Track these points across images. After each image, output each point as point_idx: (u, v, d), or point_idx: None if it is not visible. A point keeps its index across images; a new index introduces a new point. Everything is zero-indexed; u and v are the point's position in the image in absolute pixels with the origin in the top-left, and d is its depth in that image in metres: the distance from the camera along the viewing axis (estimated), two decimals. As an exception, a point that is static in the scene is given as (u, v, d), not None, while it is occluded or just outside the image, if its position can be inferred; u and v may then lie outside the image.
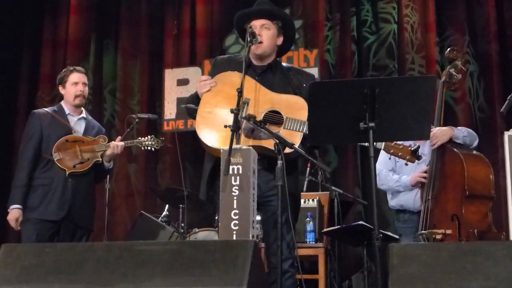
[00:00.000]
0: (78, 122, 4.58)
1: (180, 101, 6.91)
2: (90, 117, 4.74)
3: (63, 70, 4.69)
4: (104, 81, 7.23)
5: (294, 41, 3.98)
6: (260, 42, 3.52)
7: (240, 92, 3.23)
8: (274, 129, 3.38)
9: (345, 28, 6.60)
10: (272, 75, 3.62)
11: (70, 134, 4.47)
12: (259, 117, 3.38)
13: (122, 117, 6.81)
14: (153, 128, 6.97)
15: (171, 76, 7.07)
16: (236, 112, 3.18)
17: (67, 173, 4.35)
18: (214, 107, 3.48)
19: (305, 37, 6.79)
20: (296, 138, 3.38)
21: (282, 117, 3.43)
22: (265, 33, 3.57)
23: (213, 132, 3.43)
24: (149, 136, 4.70)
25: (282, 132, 3.37)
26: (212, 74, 3.64)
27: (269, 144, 3.32)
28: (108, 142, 4.48)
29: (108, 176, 5.18)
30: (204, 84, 3.53)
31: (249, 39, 3.42)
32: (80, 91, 4.53)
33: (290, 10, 6.85)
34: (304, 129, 3.37)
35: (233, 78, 3.49)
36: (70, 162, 4.38)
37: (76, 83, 4.54)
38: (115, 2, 7.36)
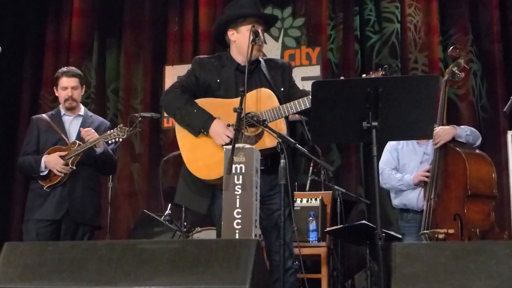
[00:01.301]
0: (74, 120, 4.67)
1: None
2: (89, 114, 4.80)
3: (57, 72, 4.76)
4: (107, 80, 7.22)
5: None
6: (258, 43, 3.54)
7: (242, 91, 3.25)
8: (255, 129, 3.42)
9: (348, 27, 6.59)
10: (258, 73, 3.65)
11: (60, 141, 4.53)
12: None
13: (125, 116, 6.79)
14: (156, 126, 6.98)
15: (171, 73, 7.04)
16: (239, 111, 3.19)
17: (45, 188, 4.43)
18: (196, 144, 3.54)
19: (308, 35, 6.78)
20: (281, 125, 3.44)
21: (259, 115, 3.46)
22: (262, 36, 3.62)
23: (204, 165, 3.48)
24: (117, 127, 4.53)
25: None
26: (200, 75, 3.63)
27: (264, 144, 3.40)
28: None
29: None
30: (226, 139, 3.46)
31: (251, 37, 3.44)
32: (68, 95, 4.60)
33: (293, 9, 6.85)
34: (282, 113, 3.43)
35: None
36: (46, 176, 4.46)
37: (65, 88, 4.62)
38: (119, 1, 7.36)
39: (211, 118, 3.49)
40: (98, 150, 4.50)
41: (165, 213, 5.72)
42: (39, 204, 4.44)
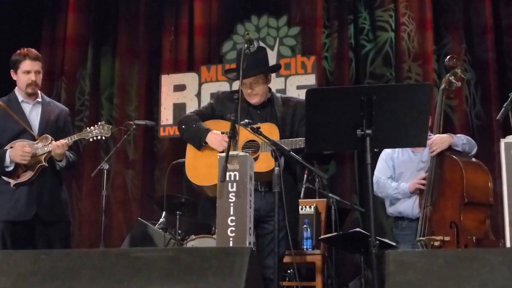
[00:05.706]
0: (33, 108, 4.29)
1: (176, 107, 6.93)
2: (48, 100, 4.44)
3: (17, 53, 4.30)
4: (102, 87, 7.23)
5: None
6: (256, 94, 3.78)
7: (237, 98, 3.29)
8: (252, 153, 3.60)
9: (343, 35, 6.61)
10: (270, 109, 3.85)
11: (23, 133, 4.17)
12: (239, 149, 3.49)
13: (119, 123, 6.78)
14: (150, 134, 6.98)
15: (167, 81, 7.07)
16: (233, 118, 3.20)
17: (12, 185, 4.07)
18: (200, 154, 3.77)
19: (303, 44, 6.80)
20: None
21: (258, 143, 3.63)
22: (257, 86, 3.77)
23: (201, 173, 3.67)
24: (97, 124, 4.29)
25: (261, 155, 3.61)
26: (216, 107, 3.90)
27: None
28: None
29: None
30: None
31: (245, 46, 3.44)
32: (32, 80, 4.21)
33: (288, 17, 6.87)
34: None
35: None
36: (13, 172, 4.11)
37: (28, 72, 4.22)
38: (113, 8, 7.36)
39: (206, 131, 3.76)
40: (61, 164, 4.19)
41: (160, 221, 5.71)
42: (5, 204, 4.06)
